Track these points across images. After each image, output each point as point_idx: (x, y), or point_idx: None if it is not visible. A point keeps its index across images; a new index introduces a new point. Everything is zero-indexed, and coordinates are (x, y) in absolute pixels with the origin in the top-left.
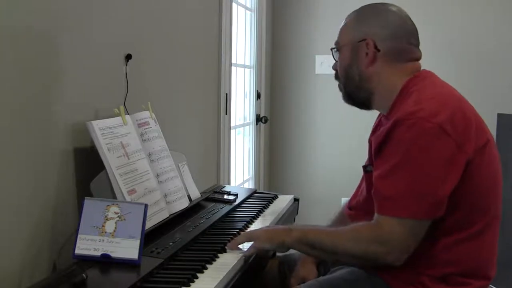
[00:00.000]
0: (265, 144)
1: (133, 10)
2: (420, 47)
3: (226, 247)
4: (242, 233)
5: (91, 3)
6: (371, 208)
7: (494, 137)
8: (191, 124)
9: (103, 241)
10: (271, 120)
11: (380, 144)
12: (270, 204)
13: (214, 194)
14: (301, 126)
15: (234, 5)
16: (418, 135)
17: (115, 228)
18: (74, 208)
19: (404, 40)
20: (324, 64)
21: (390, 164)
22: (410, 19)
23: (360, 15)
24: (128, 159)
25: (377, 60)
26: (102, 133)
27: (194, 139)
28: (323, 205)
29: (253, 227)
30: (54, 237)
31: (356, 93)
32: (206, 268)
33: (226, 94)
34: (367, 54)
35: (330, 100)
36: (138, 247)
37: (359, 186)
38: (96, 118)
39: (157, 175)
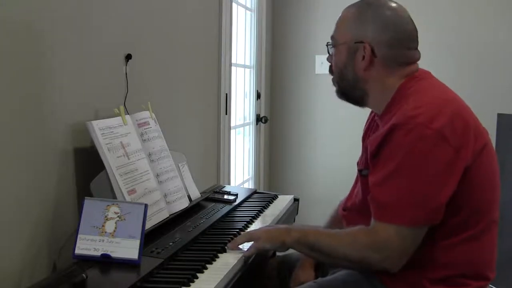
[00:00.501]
0: (265, 144)
1: (133, 10)
2: (420, 48)
3: (226, 247)
4: (242, 233)
5: (91, 3)
6: (366, 210)
7: (494, 137)
8: (191, 124)
9: (103, 241)
10: (271, 120)
11: (377, 148)
12: (270, 204)
13: (214, 194)
14: (301, 126)
15: (234, 5)
16: (416, 141)
17: (115, 228)
18: (74, 208)
19: (403, 46)
20: (324, 64)
21: (387, 170)
22: (410, 19)
23: (360, 14)
24: (128, 159)
25: (373, 65)
26: (102, 133)
27: (194, 139)
28: (323, 205)
29: (253, 227)
30: (54, 237)
31: (350, 92)
32: (206, 268)
33: (226, 94)
34: (363, 57)
35: (330, 100)
36: (138, 247)
37: (354, 187)
38: (96, 118)
39: (157, 175)
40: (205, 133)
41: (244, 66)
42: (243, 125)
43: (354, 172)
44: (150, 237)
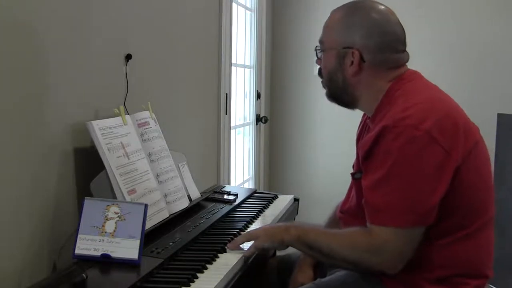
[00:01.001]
0: (265, 144)
1: (133, 10)
2: (420, 48)
3: (226, 247)
4: (242, 233)
5: (91, 3)
6: (362, 214)
7: (494, 137)
8: (191, 124)
9: (103, 241)
10: (271, 120)
11: (368, 151)
12: (270, 204)
13: (214, 194)
14: (301, 126)
15: (234, 5)
16: (406, 143)
17: (115, 228)
18: (74, 208)
19: (391, 49)
20: None
21: (379, 174)
22: (398, 21)
23: (347, 19)
24: (128, 159)
25: (362, 69)
26: (102, 133)
27: (194, 139)
28: (323, 205)
29: (253, 227)
30: (54, 237)
31: (340, 95)
32: (206, 268)
33: (226, 94)
34: (352, 62)
35: None
36: (138, 247)
37: (349, 191)
38: (96, 118)
39: (157, 175)
40: (205, 133)
41: (244, 66)
42: (243, 125)
43: None
44: (150, 237)
